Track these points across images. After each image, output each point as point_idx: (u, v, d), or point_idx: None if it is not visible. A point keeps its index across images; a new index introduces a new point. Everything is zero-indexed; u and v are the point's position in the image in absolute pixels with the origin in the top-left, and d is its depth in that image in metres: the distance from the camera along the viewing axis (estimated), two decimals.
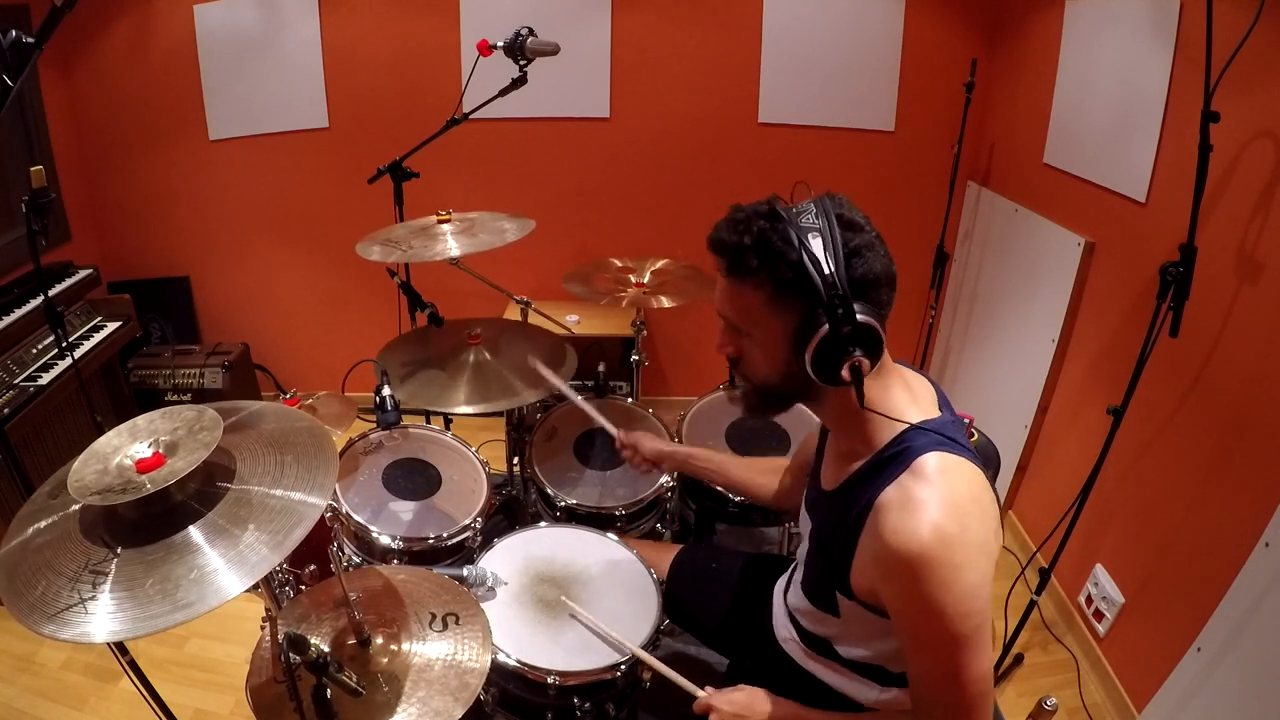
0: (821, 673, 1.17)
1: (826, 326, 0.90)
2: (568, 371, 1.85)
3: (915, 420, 0.97)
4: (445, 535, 1.61)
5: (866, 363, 0.91)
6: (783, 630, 1.26)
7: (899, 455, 0.95)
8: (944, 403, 1.06)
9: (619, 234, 3.04)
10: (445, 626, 1.17)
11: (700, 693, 1.18)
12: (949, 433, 0.96)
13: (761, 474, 1.50)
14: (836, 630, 1.11)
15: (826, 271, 0.89)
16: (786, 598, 1.26)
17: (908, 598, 0.91)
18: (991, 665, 0.94)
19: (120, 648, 1.38)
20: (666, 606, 1.46)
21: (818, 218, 0.91)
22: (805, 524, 1.20)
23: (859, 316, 0.89)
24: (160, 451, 0.93)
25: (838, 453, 1.08)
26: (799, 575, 1.20)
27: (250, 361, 3.12)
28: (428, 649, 1.13)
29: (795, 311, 0.93)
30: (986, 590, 0.91)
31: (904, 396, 1.01)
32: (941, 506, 0.89)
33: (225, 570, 0.86)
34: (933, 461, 0.92)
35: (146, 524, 0.91)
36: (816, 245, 0.90)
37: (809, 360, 0.93)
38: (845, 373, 0.91)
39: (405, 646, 1.14)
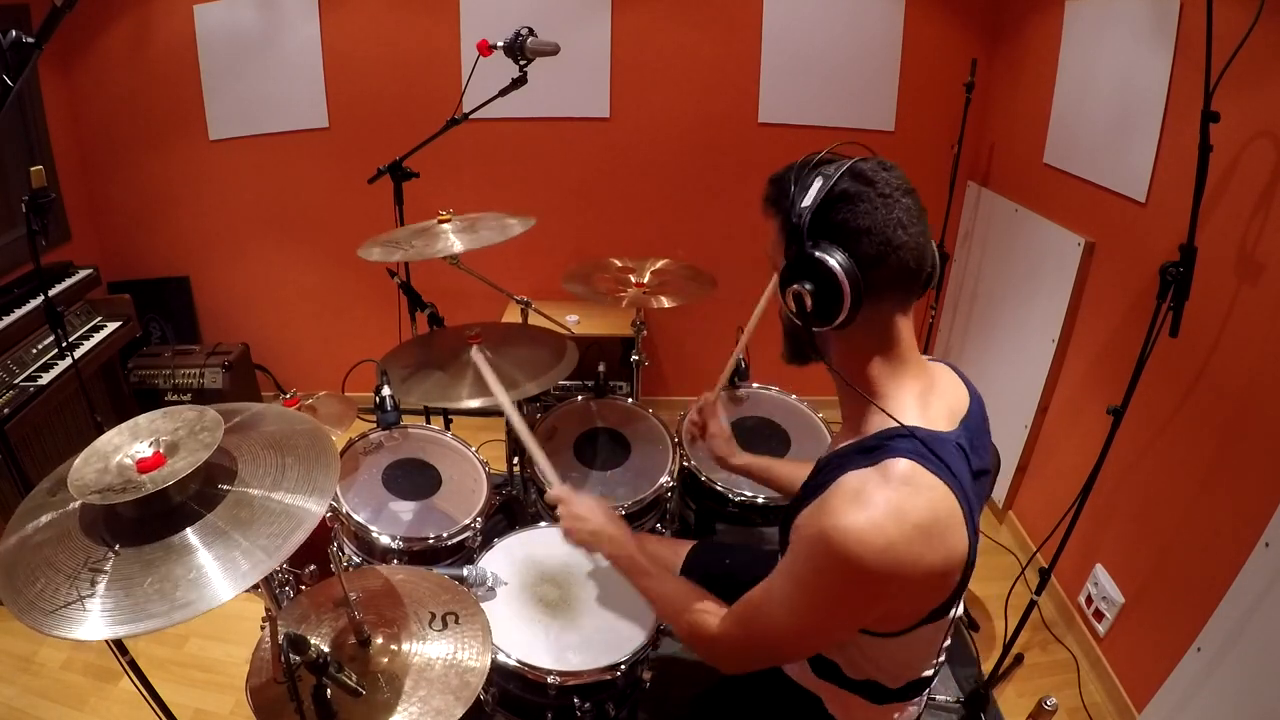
0: (798, 674, 1.17)
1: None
2: (567, 369, 1.85)
3: (912, 423, 0.94)
4: (445, 535, 1.61)
5: (809, 292, 0.91)
6: None
7: (878, 449, 0.93)
8: (971, 423, 1.02)
9: (619, 234, 3.04)
10: (445, 626, 1.17)
11: (555, 482, 1.34)
12: (940, 450, 0.92)
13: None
14: None
15: (800, 205, 0.91)
16: None
17: (800, 555, 0.94)
18: (783, 652, 1.05)
19: (120, 647, 1.39)
20: None
21: (838, 166, 0.92)
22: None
23: (810, 250, 0.90)
24: (161, 451, 0.93)
25: (844, 421, 1.08)
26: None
27: (250, 361, 3.12)
28: (428, 648, 1.13)
29: (788, 243, 0.95)
30: (849, 608, 0.93)
31: (910, 398, 0.97)
32: (887, 514, 0.86)
33: (224, 572, 0.86)
34: (903, 468, 0.89)
35: (146, 523, 0.91)
36: (814, 186, 0.91)
37: (780, 287, 0.96)
38: (792, 301, 0.94)
39: (405, 646, 1.14)
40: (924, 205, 0.96)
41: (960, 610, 1.08)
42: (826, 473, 0.97)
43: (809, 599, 0.94)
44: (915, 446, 0.91)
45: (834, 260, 0.89)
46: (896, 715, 1.11)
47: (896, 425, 0.94)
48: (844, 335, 0.97)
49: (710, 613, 1.09)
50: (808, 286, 0.91)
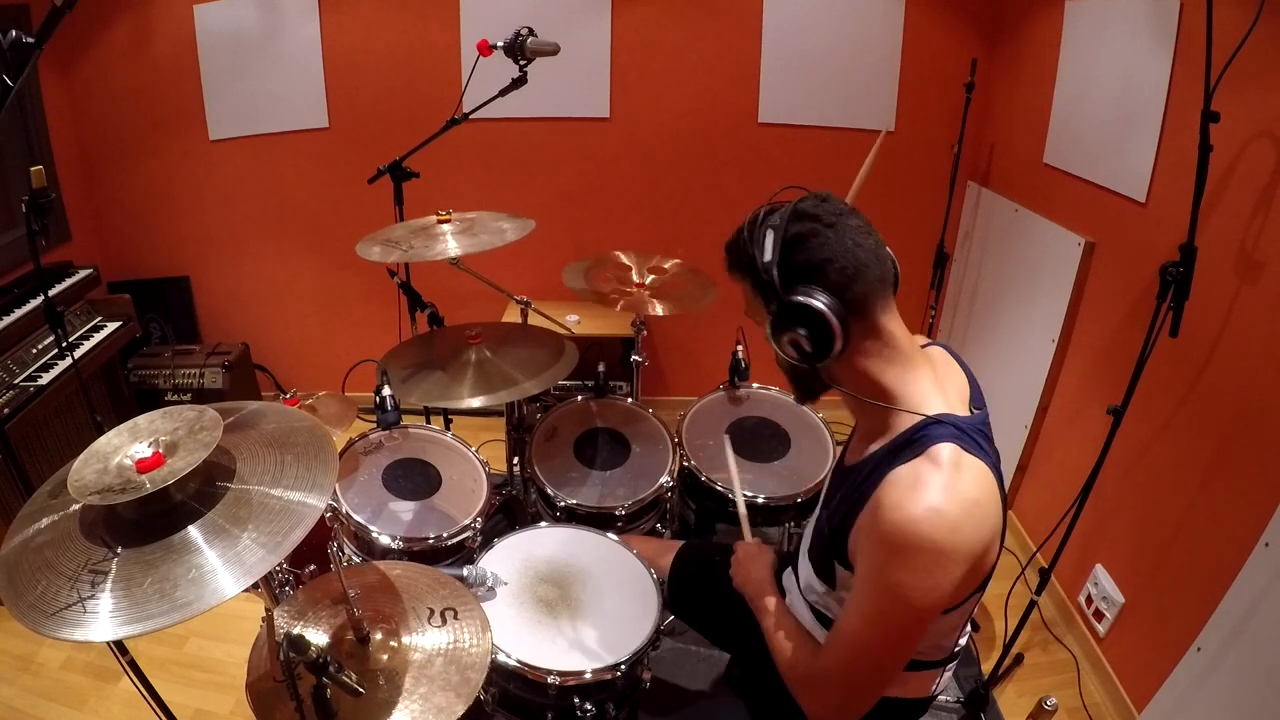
0: None
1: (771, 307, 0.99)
2: (566, 369, 1.85)
3: (934, 412, 0.98)
4: (445, 535, 1.61)
5: (804, 336, 0.96)
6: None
7: (917, 441, 0.96)
8: (978, 401, 1.07)
9: (619, 234, 3.04)
10: (444, 621, 1.17)
11: (748, 537, 1.42)
12: (970, 431, 0.97)
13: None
14: (832, 601, 1.13)
15: (763, 261, 0.97)
16: (798, 575, 1.26)
17: (873, 564, 0.95)
18: (885, 672, 1.00)
19: (120, 648, 1.39)
20: (670, 601, 1.46)
21: (782, 215, 0.98)
22: (824, 496, 1.23)
23: (789, 298, 0.95)
24: (160, 451, 0.93)
25: (863, 432, 1.11)
26: (805, 543, 1.22)
27: (250, 361, 3.12)
28: (427, 644, 1.13)
29: (767, 299, 1.00)
30: (935, 596, 0.92)
31: (927, 390, 1.01)
32: (945, 495, 0.90)
33: (224, 570, 0.86)
34: (947, 453, 0.93)
35: (146, 524, 0.91)
36: (768, 240, 0.97)
37: (771, 339, 1.00)
38: (789, 349, 0.99)
39: (405, 641, 1.14)
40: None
41: None
42: (864, 479, 1.00)
43: (895, 601, 0.94)
44: (951, 431, 0.95)
45: (811, 298, 0.94)
46: (932, 684, 1.15)
47: (925, 417, 0.97)
48: (845, 358, 1.00)
49: (811, 654, 1.09)
50: (801, 331, 0.96)
